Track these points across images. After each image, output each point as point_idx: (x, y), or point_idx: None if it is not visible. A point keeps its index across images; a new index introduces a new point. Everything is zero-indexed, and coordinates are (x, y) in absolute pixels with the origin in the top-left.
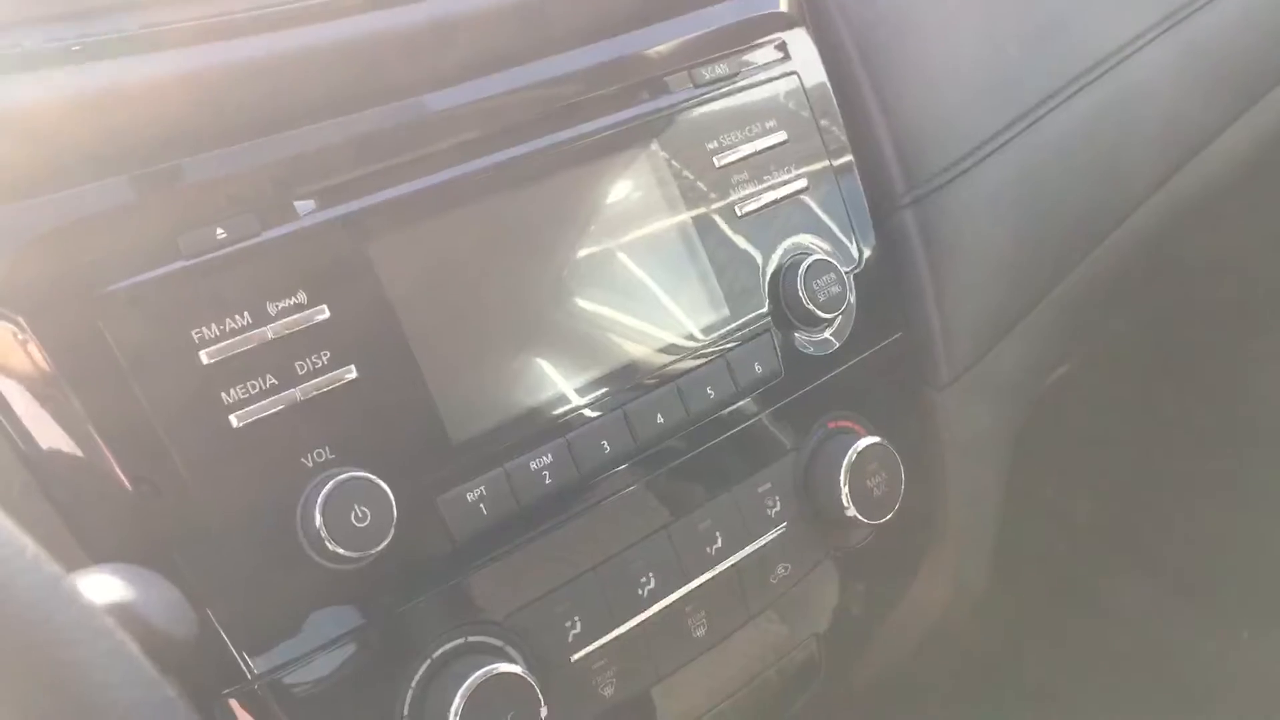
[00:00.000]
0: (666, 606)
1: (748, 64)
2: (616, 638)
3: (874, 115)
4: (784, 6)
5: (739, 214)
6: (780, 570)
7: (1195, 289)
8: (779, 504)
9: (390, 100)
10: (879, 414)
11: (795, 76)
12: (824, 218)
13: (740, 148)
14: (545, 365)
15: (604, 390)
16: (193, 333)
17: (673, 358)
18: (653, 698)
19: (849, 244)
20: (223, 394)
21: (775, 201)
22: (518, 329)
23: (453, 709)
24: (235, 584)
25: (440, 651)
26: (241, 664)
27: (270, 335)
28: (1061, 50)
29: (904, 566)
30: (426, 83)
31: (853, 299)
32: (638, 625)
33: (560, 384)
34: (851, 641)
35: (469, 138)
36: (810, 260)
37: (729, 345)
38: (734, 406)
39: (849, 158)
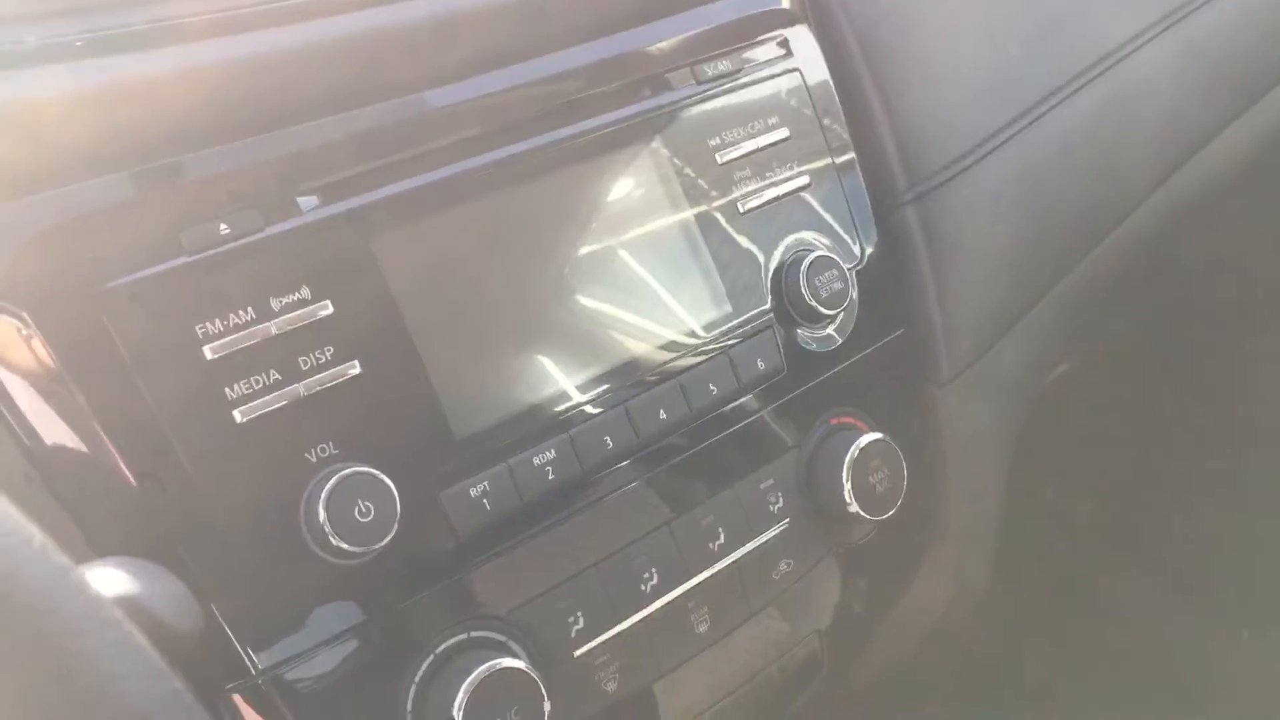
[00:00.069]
0: (669, 602)
1: (750, 61)
2: (619, 633)
3: (876, 112)
4: (786, 3)
5: (741, 210)
6: (782, 566)
7: (1194, 288)
8: (781, 500)
9: (392, 96)
10: (881, 410)
11: (797, 73)
12: (826, 214)
13: (742, 144)
14: (548, 361)
15: (606, 386)
16: (196, 328)
17: (675, 354)
18: (655, 693)
19: (851, 241)
20: (226, 389)
21: (777, 198)
22: (520, 325)
23: (456, 704)
24: (239, 579)
25: (444, 647)
26: (246, 659)
27: (274, 331)
28: (1062, 49)
29: (905, 564)
30: (429, 79)
31: (855, 295)
32: (640, 621)
33: (563, 380)
34: (853, 638)
35: (471, 134)
36: (813, 257)
37: (731, 342)
38: (736, 403)
39: (851, 155)
